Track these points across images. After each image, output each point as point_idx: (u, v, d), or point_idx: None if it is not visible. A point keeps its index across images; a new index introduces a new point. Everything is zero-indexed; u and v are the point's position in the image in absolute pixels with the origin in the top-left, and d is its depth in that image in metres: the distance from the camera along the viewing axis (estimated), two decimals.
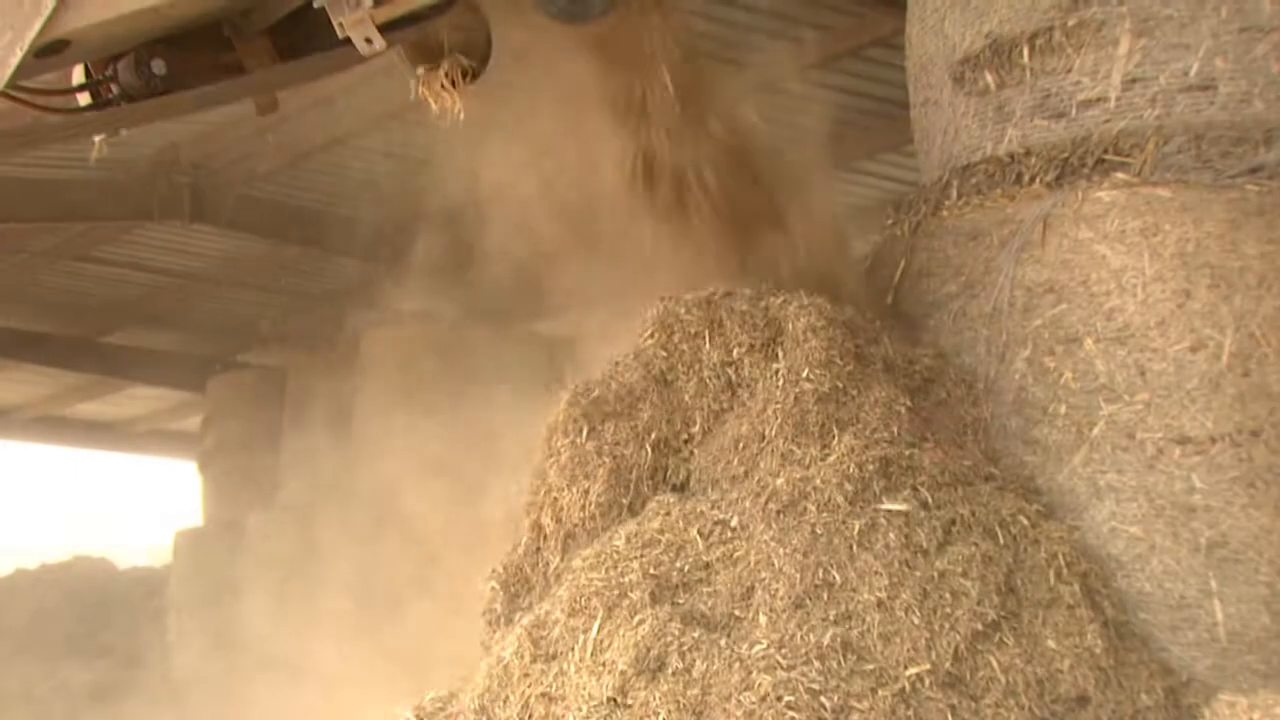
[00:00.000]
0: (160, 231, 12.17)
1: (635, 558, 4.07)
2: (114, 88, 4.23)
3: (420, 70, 4.68)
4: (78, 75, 4.35)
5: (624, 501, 4.41)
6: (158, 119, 5.25)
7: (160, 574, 14.04)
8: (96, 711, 12.01)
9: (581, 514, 4.41)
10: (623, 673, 3.78)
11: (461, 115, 4.65)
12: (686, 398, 4.54)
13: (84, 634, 13.51)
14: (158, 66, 4.16)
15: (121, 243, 12.61)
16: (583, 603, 4.00)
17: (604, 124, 5.07)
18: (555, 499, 4.49)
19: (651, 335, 4.63)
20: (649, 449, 4.48)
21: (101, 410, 18.69)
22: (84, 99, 4.34)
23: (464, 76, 4.65)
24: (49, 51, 3.86)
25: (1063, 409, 4.49)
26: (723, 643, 3.85)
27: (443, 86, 4.66)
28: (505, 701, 3.96)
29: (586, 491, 4.43)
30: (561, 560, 4.34)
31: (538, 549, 4.51)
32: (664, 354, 4.60)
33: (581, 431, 4.54)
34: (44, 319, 14.61)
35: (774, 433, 4.38)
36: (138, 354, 15.46)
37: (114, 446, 20.35)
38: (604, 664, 3.83)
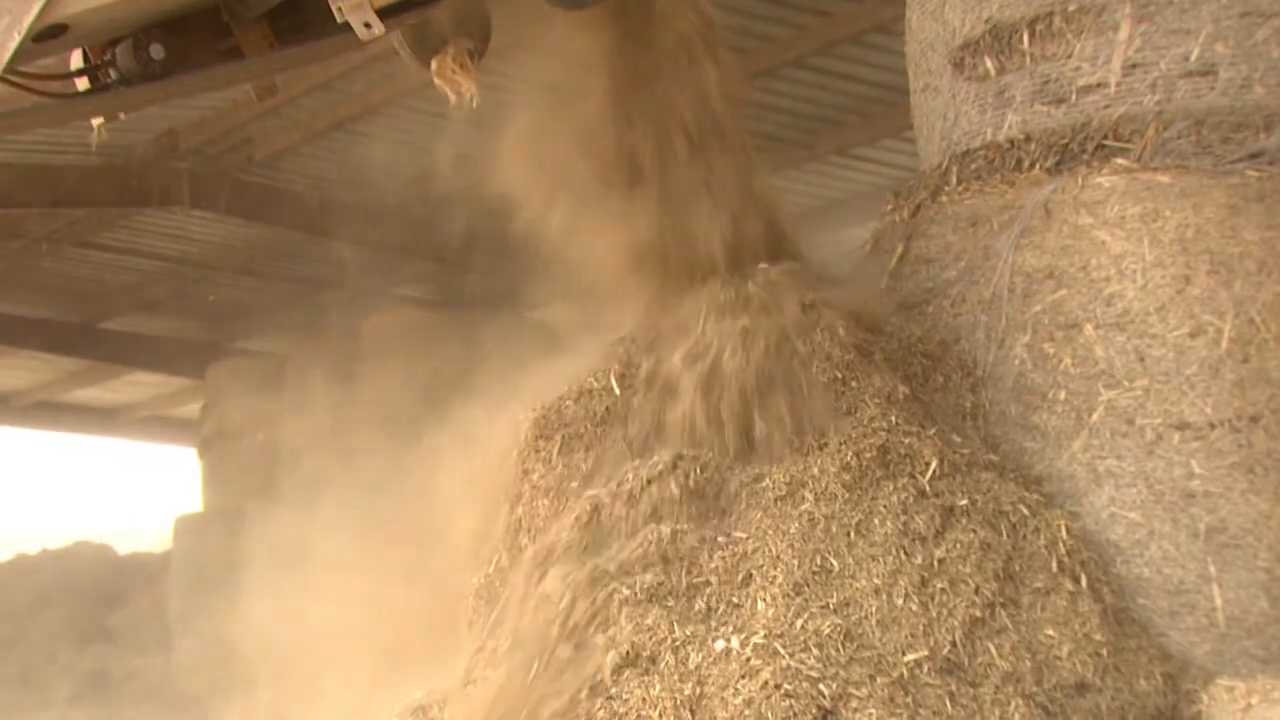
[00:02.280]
0: (159, 217, 12.18)
1: (627, 549, 4.07)
2: (112, 72, 4.22)
3: (430, 61, 4.66)
4: (76, 60, 4.34)
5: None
6: (156, 103, 5.24)
7: (160, 560, 14.07)
8: (96, 696, 12.04)
9: (559, 526, 4.38)
10: (618, 667, 3.76)
11: (475, 99, 4.63)
12: (672, 394, 4.53)
13: (84, 619, 13.55)
14: (156, 51, 4.15)
15: (120, 228, 12.61)
16: (574, 600, 3.98)
17: (605, 106, 5.05)
18: (531, 515, 4.50)
19: (632, 342, 4.62)
20: (628, 453, 4.46)
21: (101, 396, 18.72)
22: (82, 84, 4.33)
23: (471, 58, 4.62)
24: (47, 35, 3.85)
25: (1062, 395, 4.49)
26: (720, 632, 3.84)
27: (453, 72, 4.63)
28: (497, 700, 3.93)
29: (560, 509, 4.42)
30: (544, 570, 4.28)
31: (518, 563, 4.49)
32: (644, 359, 4.60)
33: (553, 448, 4.54)
34: (43, 304, 14.62)
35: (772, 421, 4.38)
36: (137, 340, 15.48)
37: (114, 432, 20.38)
38: (597, 659, 3.80)
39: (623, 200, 4.96)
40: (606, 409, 4.58)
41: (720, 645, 3.79)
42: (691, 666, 3.75)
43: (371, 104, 9.82)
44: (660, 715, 3.65)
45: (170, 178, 11.04)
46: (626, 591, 3.93)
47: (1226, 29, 4.59)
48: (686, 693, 3.69)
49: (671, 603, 3.94)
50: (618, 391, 4.59)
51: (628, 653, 3.77)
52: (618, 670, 3.76)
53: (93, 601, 13.88)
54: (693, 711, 3.67)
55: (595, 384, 4.62)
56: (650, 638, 3.80)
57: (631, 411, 4.56)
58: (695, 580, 4.01)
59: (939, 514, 4.14)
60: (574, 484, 4.48)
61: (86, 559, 14.82)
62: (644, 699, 3.69)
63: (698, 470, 4.27)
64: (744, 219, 4.95)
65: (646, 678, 3.73)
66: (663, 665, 3.76)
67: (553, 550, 4.25)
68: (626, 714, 3.67)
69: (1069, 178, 4.61)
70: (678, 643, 3.79)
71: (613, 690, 3.74)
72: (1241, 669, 4.19)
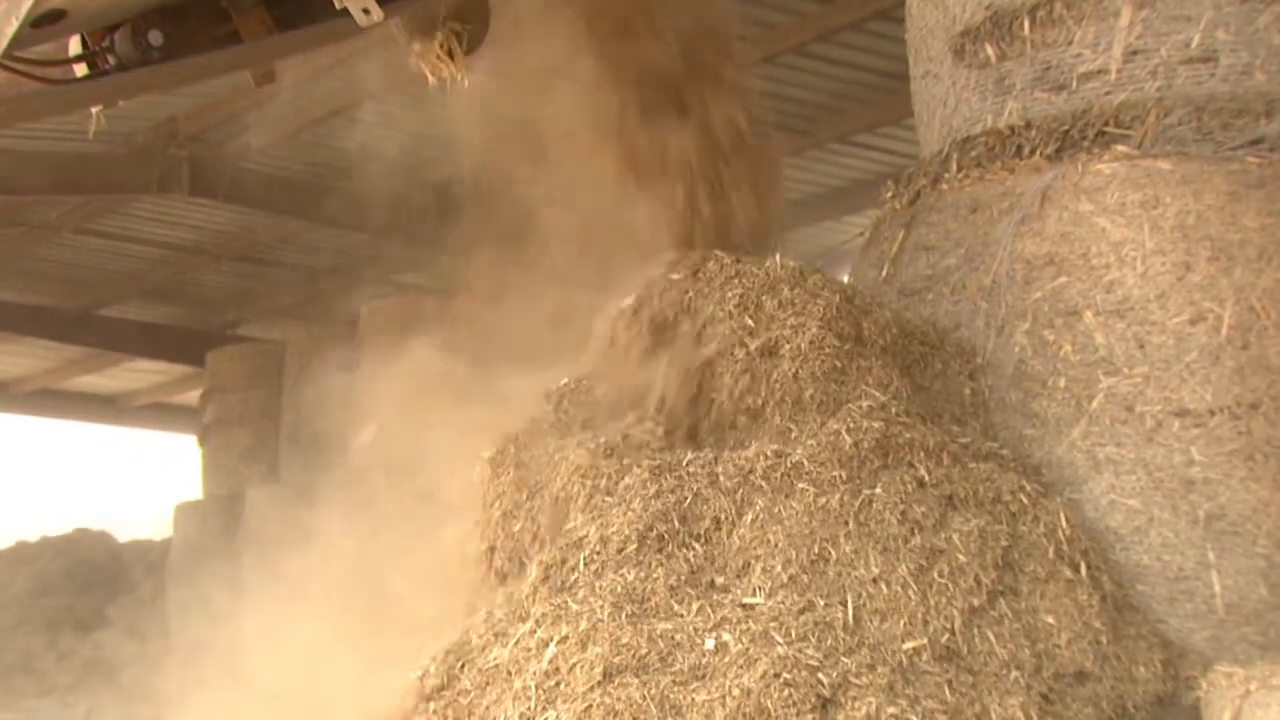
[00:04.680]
0: (159, 204, 12.18)
1: (611, 556, 4.05)
2: (111, 58, 4.21)
3: (415, 44, 4.64)
4: (74, 46, 4.33)
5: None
6: (155, 90, 5.23)
7: (160, 547, 14.07)
8: (96, 683, 12.05)
9: (537, 547, 4.37)
10: (605, 671, 3.72)
11: (465, 84, 4.61)
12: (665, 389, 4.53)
13: (84, 606, 13.54)
14: (154, 37, 4.14)
15: (120, 216, 12.61)
16: (566, 606, 3.95)
17: (605, 97, 5.05)
18: (506, 537, 4.49)
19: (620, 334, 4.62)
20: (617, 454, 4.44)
21: (101, 383, 18.73)
22: (81, 70, 4.32)
23: (461, 45, 4.60)
24: (46, 21, 3.84)
25: (1062, 382, 4.48)
26: (716, 625, 3.83)
27: (439, 58, 4.61)
28: (496, 703, 3.91)
29: (537, 528, 4.41)
30: (529, 584, 4.25)
31: (502, 578, 4.48)
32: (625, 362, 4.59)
33: (522, 467, 4.54)
34: (43, 292, 14.63)
35: (770, 411, 4.37)
36: (137, 327, 15.47)
37: (114, 420, 20.38)
38: (591, 663, 3.78)
39: (626, 183, 4.96)
40: (589, 409, 4.58)
41: (710, 644, 3.76)
42: (687, 666, 3.72)
43: (370, 91, 9.79)
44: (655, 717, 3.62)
45: (169, 164, 11.04)
46: (611, 604, 3.90)
47: (1227, 15, 4.59)
48: (682, 685, 3.66)
49: (665, 602, 3.92)
50: (597, 394, 4.59)
51: (617, 662, 3.74)
52: (605, 679, 3.72)
53: (93, 589, 13.87)
54: (690, 700, 3.65)
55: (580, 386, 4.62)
56: (636, 648, 3.76)
57: (616, 408, 4.56)
58: (690, 575, 4.00)
59: (938, 502, 4.14)
60: (554, 485, 4.46)
61: (86, 546, 14.80)
62: (643, 699, 3.65)
63: (692, 464, 4.26)
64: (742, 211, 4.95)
65: (639, 680, 3.69)
66: (653, 670, 3.72)
67: (534, 567, 4.22)
68: (622, 713, 3.63)
69: (1069, 164, 4.60)
70: (664, 650, 3.76)
71: (605, 696, 3.71)
72: (1240, 655, 4.20)
